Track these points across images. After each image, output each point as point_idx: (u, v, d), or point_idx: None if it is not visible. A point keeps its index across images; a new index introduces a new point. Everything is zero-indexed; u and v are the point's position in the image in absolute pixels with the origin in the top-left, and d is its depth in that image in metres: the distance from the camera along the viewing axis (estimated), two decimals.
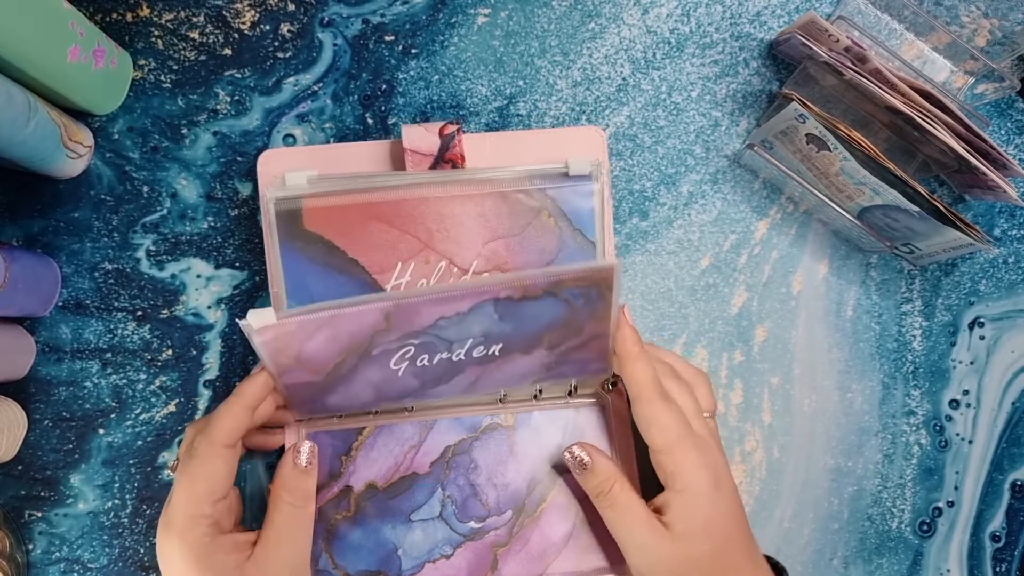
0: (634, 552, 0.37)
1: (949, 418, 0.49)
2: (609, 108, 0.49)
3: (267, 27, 0.48)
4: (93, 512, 0.45)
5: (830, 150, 0.42)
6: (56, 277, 0.46)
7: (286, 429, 0.42)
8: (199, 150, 0.47)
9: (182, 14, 0.47)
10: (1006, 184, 0.43)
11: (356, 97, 0.48)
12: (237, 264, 0.47)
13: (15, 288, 0.41)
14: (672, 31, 0.49)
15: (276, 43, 0.48)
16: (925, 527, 0.48)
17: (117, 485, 0.45)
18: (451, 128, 0.41)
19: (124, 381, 0.46)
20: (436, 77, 0.48)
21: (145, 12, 0.47)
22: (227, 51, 0.47)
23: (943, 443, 0.48)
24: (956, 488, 0.48)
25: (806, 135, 0.43)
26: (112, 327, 0.46)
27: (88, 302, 0.46)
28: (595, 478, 0.39)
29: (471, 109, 0.48)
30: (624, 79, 0.49)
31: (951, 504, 0.48)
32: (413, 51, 0.48)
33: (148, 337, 0.46)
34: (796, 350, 0.48)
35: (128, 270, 0.46)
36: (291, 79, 0.48)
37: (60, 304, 0.46)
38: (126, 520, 0.45)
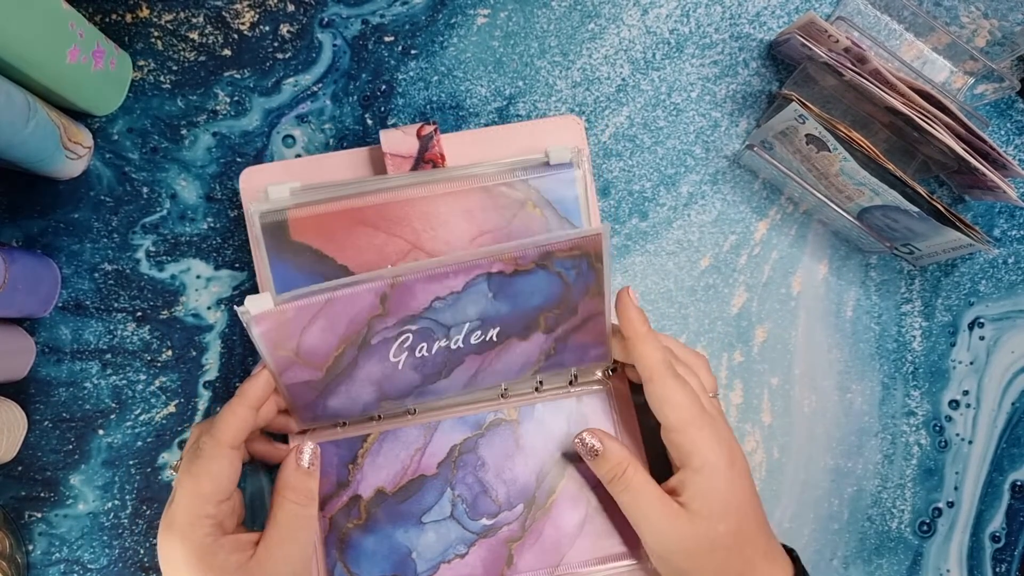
0: (651, 535, 0.38)
1: (949, 418, 0.49)
2: (609, 109, 0.49)
3: (266, 28, 0.48)
4: (93, 513, 0.45)
5: (830, 151, 0.42)
6: (56, 278, 0.46)
7: (290, 439, 0.42)
8: (199, 151, 0.47)
9: (182, 15, 0.47)
10: (1006, 184, 0.43)
11: (356, 98, 0.48)
12: (237, 265, 0.47)
13: (15, 289, 0.41)
14: (672, 32, 0.49)
15: (276, 44, 0.48)
16: (925, 527, 0.48)
17: (117, 486, 0.45)
18: (428, 129, 0.41)
19: (124, 382, 0.46)
20: (436, 78, 0.48)
21: (145, 13, 0.47)
22: (227, 52, 0.47)
23: (943, 443, 0.48)
24: (956, 488, 0.48)
25: (806, 136, 0.43)
26: (112, 328, 0.46)
27: (88, 303, 0.46)
28: (607, 463, 0.39)
29: (471, 110, 0.48)
30: (624, 80, 0.49)
31: (951, 504, 0.48)
32: (413, 52, 0.48)
33: (148, 338, 0.46)
34: (796, 350, 0.48)
35: (128, 271, 0.46)
36: (291, 80, 0.48)
37: (60, 305, 0.46)
38: (126, 521, 0.45)
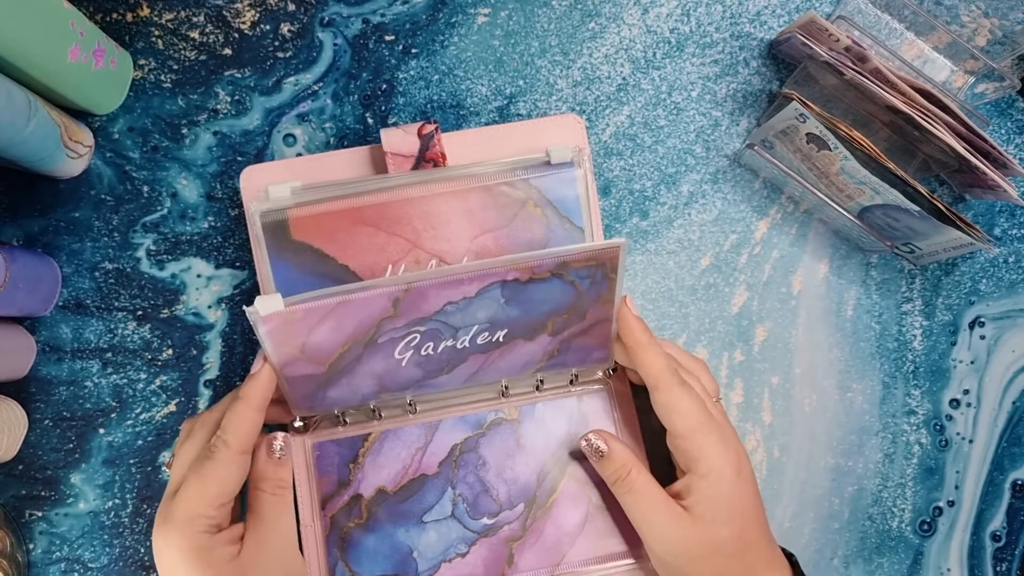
0: (653, 537, 0.38)
1: (949, 417, 0.49)
2: (609, 108, 0.49)
3: (267, 27, 0.48)
4: (94, 512, 0.45)
5: (830, 150, 0.42)
6: (56, 277, 0.46)
7: (289, 429, 0.42)
8: (199, 150, 0.47)
9: (182, 14, 0.47)
10: (1006, 183, 0.43)
11: (356, 97, 0.48)
12: (237, 264, 0.47)
13: (15, 288, 0.41)
14: (672, 31, 0.49)
15: (276, 43, 0.48)
16: (926, 526, 0.48)
17: (117, 485, 0.45)
18: (429, 128, 0.41)
19: (124, 381, 0.46)
20: (436, 77, 0.48)
21: (145, 12, 0.47)
22: (227, 51, 0.47)
23: (943, 442, 0.48)
24: (956, 487, 0.48)
25: (806, 135, 0.43)
26: (112, 327, 0.46)
27: (88, 302, 0.46)
28: (612, 464, 0.39)
29: (471, 109, 0.48)
30: (624, 79, 0.49)
31: (951, 503, 0.48)
32: (413, 51, 0.48)
33: (148, 337, 0.46)
34: (796, 350, 0.48)
35: (128, 270, 0.46)
36: (291, 79, 0.48)
37: (60, 304, 0.46)
38: (127, 520, 0.45)
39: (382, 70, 0.48)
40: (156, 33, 0.47)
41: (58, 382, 0.46)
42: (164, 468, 0.46)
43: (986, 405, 0.49)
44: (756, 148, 0.46)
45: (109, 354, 0.46)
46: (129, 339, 0.46)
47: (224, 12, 0.47)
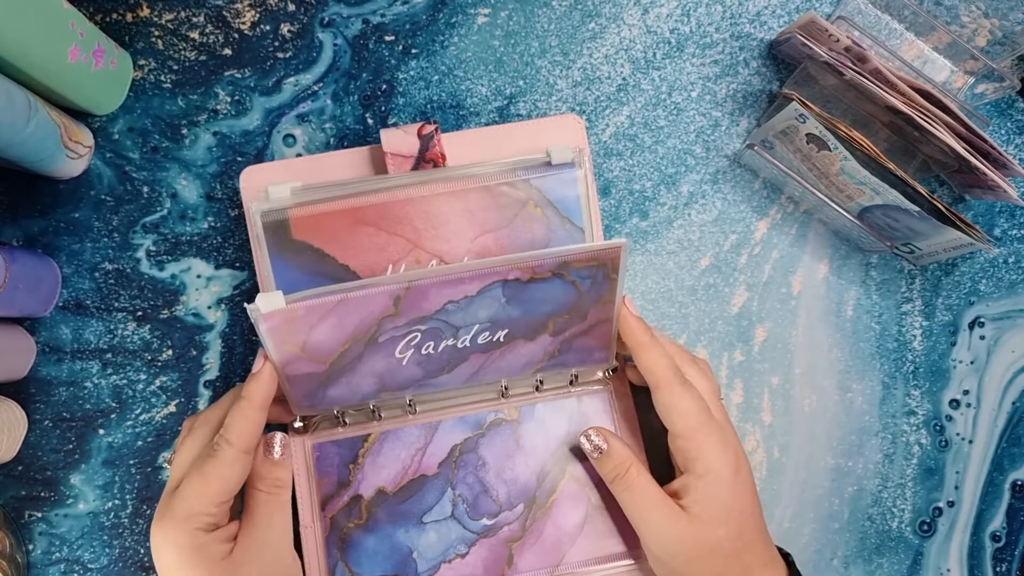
0: (651, 536, 0.38)
1: (949, 418, 0.49)
2: (609, 108, 0.49)
3: (267, 27, 0.48)
4: (93, 512, 0.45)
5: (830, 150, 0.42)
6: (56, 277, 0.46)
7: (290, 429, 0.42)
8: (199, 150, 0.47)
9: (182, 14, 0.47)
10: (1006, 184, 0.43)
11: (356, 97, 0.48)
12: (237, 264, 0.47)
13: (15, 288, 0.41)
14: (672, 31, 0.49)
15: (276, 43, 0.48)
16: (925, 527, 0.48)
17: (117, 485, 0.45)
18: (429, 128, 0.41)
19: (124, 381, 0.46)
20: (436, 77, 0.48)
21: (145, 12, 0.47)
22: (227, 51, 0.47)
23: (943, 443, 0.48)
24: (956, 488, 0.48)
25: (806, 135, 0.43)
26: (112, 327, 0.46)
27: (88, 302, 0.46)
28: (611, 462, 0.39)
29: (471, 109, 0.48)
30: (624, 79, 0.49)
31: (951, 504, 0.48)
32: (413, 51, 0.48)
33: (148, 337, 0.46)
34: (796, 350, 0.48)
35: (128, 270, 0.46)
36: (291, 79, 0.48)
37: (60, 304, 0.46)
38: (126, 520, 0.45)
39: (382, 70, 0.48)
40: (156, 33, 0.47)
41: (58, 383, 0.46)
42: (165, 464, 0.46)
43: (986, 405, 0.49)
44: (756, 148, 0.46)
45: (109, 355, 0.46)
46: (129, 340, 0.46)
47: (224, 12, 0.47)
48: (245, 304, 0.36)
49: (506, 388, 0.43)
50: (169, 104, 0.47)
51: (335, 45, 0.48)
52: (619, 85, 0.49)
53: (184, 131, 0.47)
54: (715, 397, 0.40)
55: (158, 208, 0.47)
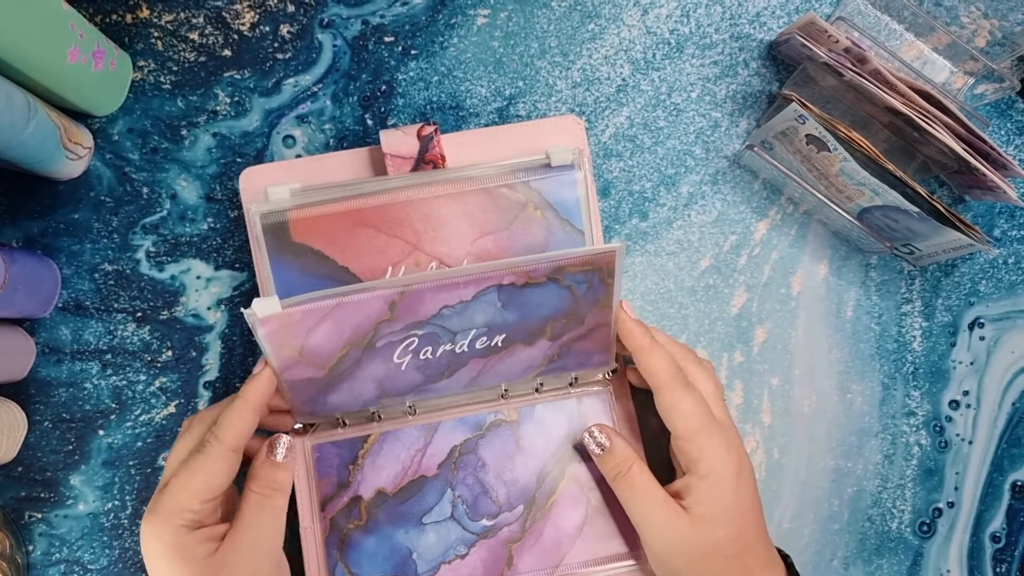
0: (651, 534, 0.38)
1: (949, 419, 0.49)
2: (609, 109, 0.49)
3: (267, 28, 0.48)
4: (93, 513, 0.45)
5: (830, 151, 0.42)
6: (56, 278, 0.46)
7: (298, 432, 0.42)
8: (199, 151, 0.47)
9: (182, 15, 0.47)
10: (1006, 185, 0.43)
11: (356, 98, 0.48)
12: (237, 265, 0.47)
13: (15, 289, 0.41)
14: (672, 32, 0.49)
15: (276, 44, 0.48)
16: (925, 528, 0.48)
17: (117, 486, 0.45)
18: (429, 129, 0.41)
19: (124, 382, 0.46)
20: (436, 78, 0.48)
21: (145, 13, 0.47)
22: (227, 52, 0.47)
23: (943, 444, 0.48)
24: (956, 489, 0.48)
25: (806, 136, 0.43)
26: (112, 328, 0.46)
27: (88, 303, 0.46)
28: (613, 459, 0.39)
29: (471, 110, 0.48)
30: (624, 80, 0.49)
31: (951, 505, 0.48)
32: (413, 52, 0.48)
33: (148, 338, 0.46)
34: (796, 351, 0.48)
35: (128, 271, 0.46)
36: (291, 80, 0.48)
37: (60, 305, 0.46)
38: (126, 521, 0.45)
39: (381, 71, 0.48)
40: (156, 35, 0.47)
41: (58, 384, 0.46)
42: (162, 461, 0.46)
43: (986, 406, 0.49)
44: (756, 149, 0.46)
45: (109, 356, 0.46)
46: (129, 341, 0.46)
47: (223, 13, 0.47)
48: (242, 309, 0.36)
49: (506, 390, 0.43)
50: (169, 105, 0.47)
51: (334, 46, 0.48)
52: (619, 86, 0.49)
53: (184, 132, 0.47)
54: (718, 398, 0.40)
55: (158, 209, 0.47)
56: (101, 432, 0.46)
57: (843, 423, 0.48)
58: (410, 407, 0.42)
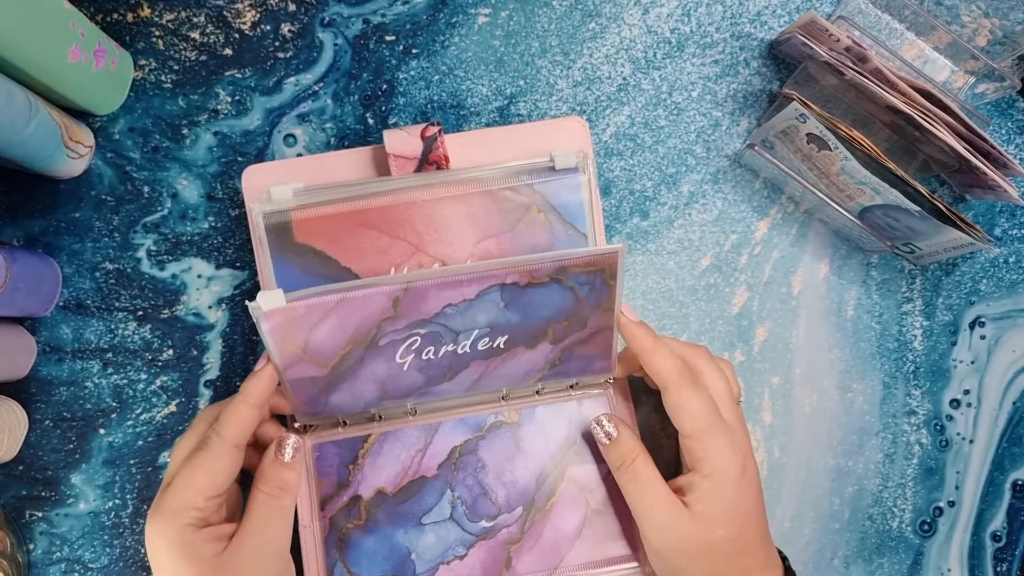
0: (651, 528, 0.38)
1: (950, 418, 0.49)
2: (610, 108, 0.49)
3: (268, 27, 0.48)
4: (94, 512, 0.45)
5: (831, 150, 0.42)
6: (57, 277, 0.46)
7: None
8: (200, 150, 0.47)
9: (183, 14, 0.47)
10: (1007, 183, 0.43)
11: (357, 97, 0.48)
12: (238, 264, 0.47)
13: (16, 288, 0.41)
14: (673, 31, 0.49)
15: (277, 43, 0.48)
16: (926, 527, 0.48)
17: (118, 485, 0.45)
18: (432, 130, 0.41)
19: (125, 381, 0.46)
20: (437, 77, 0.48)
21: (146, 12, 0.47)
22: (228, 51, 0.47)
23: (944, 443, 0.48)
24: (957, 488, 0.48)
25: (807, 135, 0.43)
26: (113, 327, 0.46)
27: (89, 302, 0.46)
28: (619, 449, 0.39)
29: (472, 109, 0.48)
30: (625, 79, 0.49)
31: (952, 504, 0.48)
32: (414, 51, 0.48)
33: (149, 337, 0.46)
34: (797, 350, 0.48)
35: (129, 270, 0.46)
36: (292, 79, 0.48)
37: (61, 304, 0.46)
38: (127, 520, 0.45)
39: (383, 70, 0.48)
40: (157, 33, 0.47)
41: (58, 382, 0.46)
42: (165, 458, 0.46)
43: (986, 405, 0.49)
44: (756, 148, 0.46)
45: (109, 354, 0.46)
46: (129, 339, 0.46)
47: (225, 12, 0.47)
48: (247, 302, 0.36)
49: (507, 393, 0.43)
50: (170, 104, 0.47)
51: (335, 45, 0.48)
52: (619, 85, 0.49)
53: (185, 131, 0.47)
54: (729, 398, 0.39)
55: (159, 208, 0.47)
56: (102, 431, 0.46)
57: (844, 422, 0.48)
58: (411, 408, 0.42)
